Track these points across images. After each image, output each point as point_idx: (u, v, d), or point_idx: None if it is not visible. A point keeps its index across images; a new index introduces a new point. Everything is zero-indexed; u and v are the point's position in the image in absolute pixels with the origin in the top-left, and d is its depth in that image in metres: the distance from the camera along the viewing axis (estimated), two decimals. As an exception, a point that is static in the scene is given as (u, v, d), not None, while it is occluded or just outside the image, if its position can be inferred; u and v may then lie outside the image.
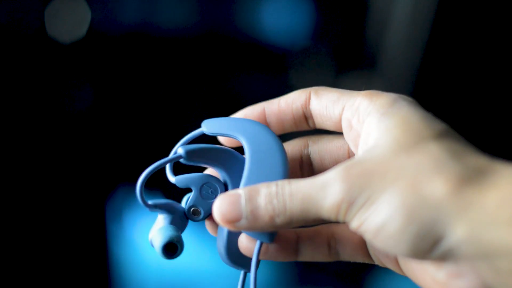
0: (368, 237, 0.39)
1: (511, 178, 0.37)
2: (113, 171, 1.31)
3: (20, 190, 1.26)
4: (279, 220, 0.41)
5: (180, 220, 0.46)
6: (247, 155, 0.45)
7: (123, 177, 1.31)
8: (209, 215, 0.47)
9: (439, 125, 0.40)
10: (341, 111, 0.44)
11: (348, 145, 0.46)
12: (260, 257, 0.45)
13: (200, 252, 1.29)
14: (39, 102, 1.27)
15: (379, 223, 0.38)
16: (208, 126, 0.46)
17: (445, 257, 0.38)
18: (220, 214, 0.42)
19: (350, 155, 0.47)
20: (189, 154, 0.45)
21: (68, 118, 1.28)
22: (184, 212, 0.46)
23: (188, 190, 0.47)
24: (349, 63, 1.35)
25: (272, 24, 1.32)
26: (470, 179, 0.37)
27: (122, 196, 1.31)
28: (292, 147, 0.48)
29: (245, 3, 1.32)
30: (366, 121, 0.42)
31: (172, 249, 0.44)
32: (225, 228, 0.45)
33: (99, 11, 1.28)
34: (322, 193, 0.40)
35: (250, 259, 0.45)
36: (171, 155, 0.46)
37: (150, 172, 0.44)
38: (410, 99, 0.43)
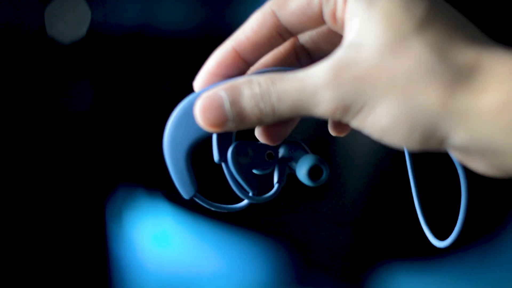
0: (374, 137, 0.40)
1: (500, 78, 0.37)
2: (113, 171, 1.31)
3: (20, 190, 1.26)
4: (267, 120, 0.41)
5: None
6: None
7: (123, 177, 1.31)
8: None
9: (419, 10, 0.39)
10: (320, 7, 0.43)
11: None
12: None
13: (200, 252, 1.29)
14: (39, 102, 1.27)
15: (384, 127, 0.39)
16: (183, 191, 0.45)
17: (453, 150, 0.40)
18: (205, 119, 0.42)
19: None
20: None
21: (68, 118, 1.28)
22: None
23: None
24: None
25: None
26: (461, 82, 0.38)
27: (122, 196, 1.31)
28: (283, 47, 0.47)
29: (245, 4, 1.31)
30: (348, 9, 0.41)
31: (317, 173, 0.45)
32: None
33: (99, 11, 1.28)
34: (313, 99, 0.40)
35: None
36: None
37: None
38: None
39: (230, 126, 0.42)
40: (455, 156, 0.41)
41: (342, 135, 0.48)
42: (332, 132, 0.47)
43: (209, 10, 1.31)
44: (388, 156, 1.27)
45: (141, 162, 1.29)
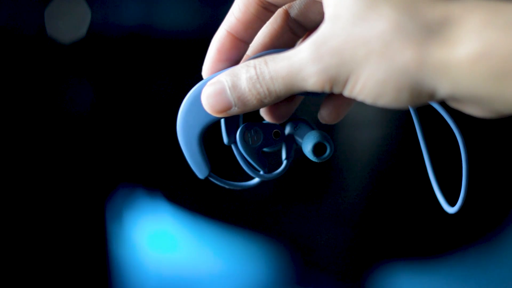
0: (368, 103, 0.41)
1: (472, 28, 0.38)
2: (113, 171, 1.31)
3: (20, 190, 1.26)
4: (267, 101, 0.43)
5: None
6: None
7: (123, 177, 1.31)
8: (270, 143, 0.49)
9: None
10: None
11: None
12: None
13: (200, 252, 1.30)
14: (39, 102, 1.27)
15: (373, 93, 0.40)
16: (198, 172, 0.47)
17: (446, 100, 0.41)
18: (211, 107, 0.44)
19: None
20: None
21: (68, 118, 1.28)
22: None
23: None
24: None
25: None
26: (434, 37, 0.38)
27: (122, 196, 1.31)
28: (277, 24, 0.48)
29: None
30: None
31: (321, 149, 0.47)
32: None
33: (99, 11, 1.28)
34: (301, 75, 0.41)
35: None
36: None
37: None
38: None
39: (235, 111, 0.44)
40: (451, 104, 0.42)
41: (332, 122, 0.49)
42: (321, 119, 0.48)
43: (209, 10, 1.31)
44: (389, 156, 1.27)
45: (141, 162, 1.29)
